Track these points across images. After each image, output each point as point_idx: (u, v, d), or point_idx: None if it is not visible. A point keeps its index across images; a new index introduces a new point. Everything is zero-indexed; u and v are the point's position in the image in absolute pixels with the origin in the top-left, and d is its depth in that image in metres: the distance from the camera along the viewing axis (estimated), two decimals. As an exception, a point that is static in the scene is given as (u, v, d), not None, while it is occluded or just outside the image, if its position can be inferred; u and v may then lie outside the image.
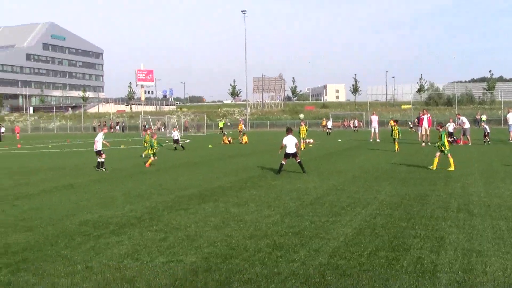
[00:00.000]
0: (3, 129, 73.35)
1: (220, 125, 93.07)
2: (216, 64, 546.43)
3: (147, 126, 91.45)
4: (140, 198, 16.02)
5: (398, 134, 33.19)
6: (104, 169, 24.64)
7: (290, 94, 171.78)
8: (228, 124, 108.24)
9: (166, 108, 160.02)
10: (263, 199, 15.24)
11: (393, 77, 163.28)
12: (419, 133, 42.15)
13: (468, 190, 16.16)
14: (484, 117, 59.88)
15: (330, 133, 68.40)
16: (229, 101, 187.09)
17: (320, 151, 35.22)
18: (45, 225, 12.12)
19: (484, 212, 12.60)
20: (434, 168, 21.74)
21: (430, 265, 8.36)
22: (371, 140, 46.40)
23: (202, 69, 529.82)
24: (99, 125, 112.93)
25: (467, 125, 40.63)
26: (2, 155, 40.54)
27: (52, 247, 10.01)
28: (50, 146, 52.71)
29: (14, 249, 9.87)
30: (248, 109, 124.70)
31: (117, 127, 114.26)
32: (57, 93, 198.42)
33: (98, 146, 25.16)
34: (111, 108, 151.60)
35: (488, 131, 39.93)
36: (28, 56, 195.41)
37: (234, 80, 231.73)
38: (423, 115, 42.22)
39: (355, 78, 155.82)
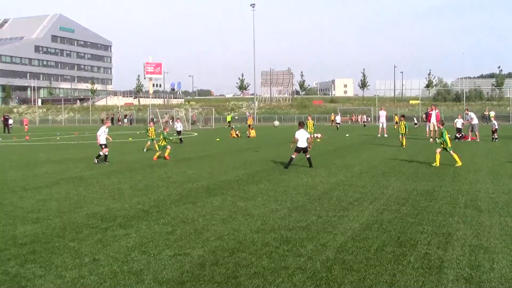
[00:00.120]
0: (11, 121, 73.49)
1: (228, 118, 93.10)
2: (225, 57, 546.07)
3: (154, 119, 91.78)
4: (148, 191, 16.05)
5: (405, 130, 33.14)
6: (97, 162, 24.54)
7: (298, 89, 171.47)
8: (236, 118, 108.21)
9: (174, 101, 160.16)
10: (270, 193, 15.24)
11: (402, 72, 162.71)
12: (427, 128, 42.09)
13: (475, 187, 16.12)
14: (492, 113, 59.62)
15: (338, 127, 68.35)
16: (231, 95, 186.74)
17: (327, 146, 35.17)
18: (52, 217, 12.16)
19: (492, 209, 12.57)
20: (438, 165, 21.66)
21: (437, 261, 8.35)
22: (379, 136, 46.34)
23: (211, 63, 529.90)
24: (103, 119, 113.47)
25: (475, 121, 40.43)
26: (11, 147, 40.66)
27: (59, 239, 10.04)
28: (58, 138, 52.82)
29: (22, 241, 9.90)
30: (256, 103, 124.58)
31: (125, 120, 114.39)
32: (65, 85, 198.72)
33: (101, 140, 24.94)
34: (119, 101, 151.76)
35: (496, 127, 39.71)
36: (37, 48, 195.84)
37: (242, 73, 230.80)
38: (431, 110, 42.15)
39: (363, 73, 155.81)
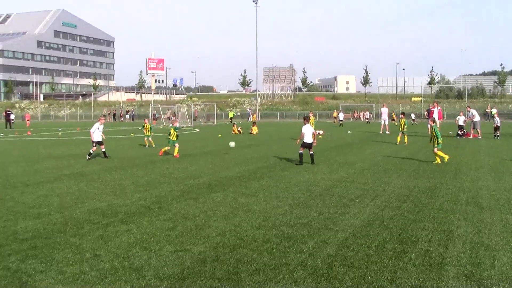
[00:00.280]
0: (13, 116, 73.43)
1: (230, 115, 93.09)
2: (227, 54, 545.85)
3: (157, 115, 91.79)
4: (149, 187, 16.06)
5: (404, 127, 33.18)
6: (108, 157, 24.48)
7: (301, 85, 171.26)
8: (238, 114, 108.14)
9: (176, 97, 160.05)
10: (272, 190, 15.25)
11: (404, 69, 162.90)
12: (429, 126, 42.03)
13: (477, 184, 16.12)
14: (494, 111, 59.62)
15: (341, 124, 68.32)
16: (224, 91, 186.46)
17: (329, 143, 35.18)
18: (54, 212, 12.17)
19: (493, 206, 12.58)
20: (439, 162, 21.66)
21: (438, 258, 8.36)
22: (381, 133, 46.31)
23: (213, 59, 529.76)
24: (105, 114, 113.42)
25: (477, 118, 40.39)
26: (12, 142, 40.68)
27: (60, 234, 10.06)
28: (60, 134, 52.83)
29: (23, 236, 9.91)
30: (258, 99, 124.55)
31: (127, 116, 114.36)
32: (67, 80, 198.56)
33: (94, 137, 24.83)
34: (122, 97, 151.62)
35: (498, 124, 39.67)
36: (39, 43, 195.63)
37: (244, 70, 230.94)
38: (433, 107, 42.11)
39: (365, 70, 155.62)
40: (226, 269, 7.87)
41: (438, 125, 40.50)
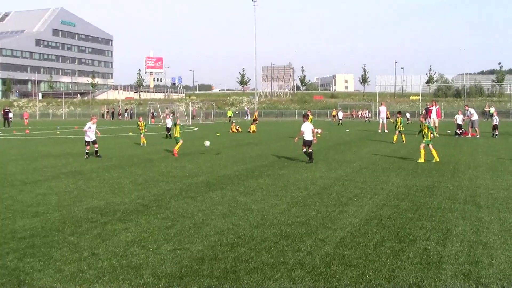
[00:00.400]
0: (11, 115, 73.42)
1: (229, 113, 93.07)
2: (226, 52, 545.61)
3: (155, 114, 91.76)
4: (148, 185, 16.06)
5: (400, 125, 33.25)
6: (87, 157, 24.43)
7: (299, 84, 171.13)
8: (237, 113, 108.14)
9: (174, 95, 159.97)
10: (270, 188, 15.26)
11: (402, 68, 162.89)
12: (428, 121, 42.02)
13: (475, 183, 16.13)
14: (492, 109, 59.68)
15: (340, 123, 68.31)
16: (218, 89, 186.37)
17: (327, 141, 35.20)
18: (52, 211, 12.17)
19: (491, 205, 12.59)
20: (438, 159, 21.67)
21: (436, 257, 8.37)
22: (379, 131, 46.30)
23: (212, 58, 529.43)
24: (103, 113, 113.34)
25: (475, 117, 40.38)
26: (10, 140, 40.66)
27: (58, 233, 10.06)
28: (58, 132, 52.79)
29: (21, 235, 9.91)
30: (257, 98, 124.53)
31: (126, 114, 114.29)
32: (66, 79, 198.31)
33: (86, 136, 24.68)
34: (120, 95, 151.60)
35: (497, 122, 39.66)
36: (38, 42, 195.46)
37: (243, 68, 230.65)
38: (432, 106, 42.11)
39: (364, 69, 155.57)
40: (224, 268, 7.87)
41: (437, 124, 40.66)
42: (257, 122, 52.65)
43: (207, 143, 27.45)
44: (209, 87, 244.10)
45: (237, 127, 50.55)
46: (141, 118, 35.54)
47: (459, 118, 41.36)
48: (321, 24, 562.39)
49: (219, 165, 21.42)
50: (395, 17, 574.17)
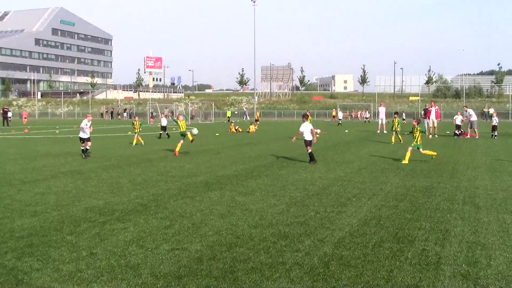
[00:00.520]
0: (10, 114, 73.39)
1: (228, 113, 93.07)
2: (225, 53, 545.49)
3: (154, 113, 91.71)
4: (146, 185, 16.05)
5: (398, 126, 33.36)
6: (84, 156, 24.31)
7: (298, 84, 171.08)
8: (236, 113, 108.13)
9: (174, 95, 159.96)
10: (269, 189, 15.25)
11: (402, 69, 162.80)
12: (426, 125, 42.07)
13: (474, 183, 16.13)
14: (492, 110, 59.76)
15: (340, 123, 68.35)
16: (217, 89, 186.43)
17: (327, 142, 35.21)
18: (50, 210, 12.16)
19: (490, 206, 12.59)
20: (435, 153, 21.74)
21: (435, 257, 8.37)
22: (379, 132, 46.30)
23: (211, 58, 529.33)
24: (103, 113, 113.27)
25: (474, 117, 40.38)
26: (9, 139, 40.63)
27: (57, 232, 10.05)
28: (57, 131, 52.76)
29: (19, 234, 9.91)
30: (256, 98, 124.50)
31: (125, 114, 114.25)
32: (65, 78, 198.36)
33: (81, 134, 24.60)
34: (119, 95, 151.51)
35: (496, 123, 39.66)
36: (37, 41, 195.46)
37: (242, 68, 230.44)
38: (431, 107, 42.10)
39: (363, 69, 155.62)
40: (222, 268, 7.87)
41: (436, 125, 40.67)
42: (258, 122, 52.56)
43: (195, 130, 27.48)
44: (208, 87, 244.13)
45: (236, 127, 50.52)
46: (136, 118, 35.58)
47: (458, 119, 41.38)
48: (321, 24, 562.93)
49: (218, 165, 21.42)
50: (395, 17, 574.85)
